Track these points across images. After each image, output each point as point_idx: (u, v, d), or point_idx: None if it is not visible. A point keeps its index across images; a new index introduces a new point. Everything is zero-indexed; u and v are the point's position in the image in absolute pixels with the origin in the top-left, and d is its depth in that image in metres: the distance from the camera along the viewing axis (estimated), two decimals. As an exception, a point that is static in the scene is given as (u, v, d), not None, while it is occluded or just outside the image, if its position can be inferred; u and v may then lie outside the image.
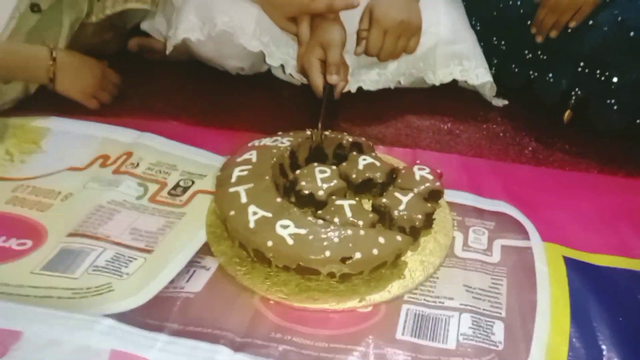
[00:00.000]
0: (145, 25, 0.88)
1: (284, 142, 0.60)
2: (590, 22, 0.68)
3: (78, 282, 0.49)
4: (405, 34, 0.72)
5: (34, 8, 0.74)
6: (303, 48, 0.72)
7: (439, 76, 0.75)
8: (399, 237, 0.49)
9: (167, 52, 0.76)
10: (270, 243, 0.47)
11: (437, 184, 0.58)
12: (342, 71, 0.70)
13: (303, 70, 0.73)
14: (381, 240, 0.48)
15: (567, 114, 0.72)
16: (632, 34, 0.65)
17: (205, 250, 0.53)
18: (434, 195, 0.58)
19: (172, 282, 0.49)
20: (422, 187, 0.57)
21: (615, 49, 0.65)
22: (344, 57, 0.71)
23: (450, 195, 0.60)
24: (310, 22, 0.71)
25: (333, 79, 0.69)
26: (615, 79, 0.67)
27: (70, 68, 0.72)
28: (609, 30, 0.65)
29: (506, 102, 0.81)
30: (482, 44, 0.80)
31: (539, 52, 0.73)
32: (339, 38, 0.70)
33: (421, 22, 0.73)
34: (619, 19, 0.65)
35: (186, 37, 0.72)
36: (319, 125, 0.64)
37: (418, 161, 0.62)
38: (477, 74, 0.74)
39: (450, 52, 0.74)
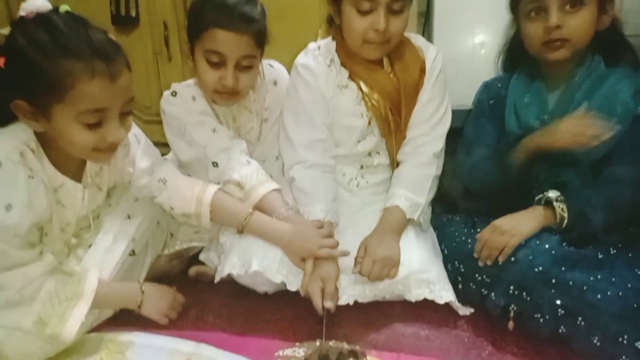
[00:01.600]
0: (202, 257, 1.22)
1: (300, 352, 0.85)
2: (512, 259, 0.97)
3: None
4: (388, 265, 1.02)
5: (131, 253, 1.08)
6: (307, 278, 1.01)
7: (414, 295, 1.02)
8: None
9: (216, 281, 1.07)
10: None
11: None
12: (335, 296, 0.99)
13: (307, 294, 1.01)
14: None
15: (510, 323, 0.96)
16: (540, 269, 0.92)
17: None
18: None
19: None
20: (399, 386, 0.79)
21: (530, 279, 0.92)
22: (337, 286, 1.00)
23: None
24: (313, 260, 1.02)
25: (328, 304, 0.97)
26: (538, 301, 0.92)
27: (153, 296, 1.02)
28: (524, 266, 0.94)
29: (472, 310, 1.05)
30: (449, 265, 1.09)
31: (485, 276, 1.01)
32: (334, 274, 1.01)
33: (399, 257, 1.04)
34: (530, 258, 0.94)
35: (230, 272, 1.03)
36: (323, 336, 0.89)
37: (398, 364, 0.85)
38: (442, 295, 1.01)
39: (421, 278, 1.02)
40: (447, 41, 1.46)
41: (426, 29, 1.59)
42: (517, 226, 0.98)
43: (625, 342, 0.84)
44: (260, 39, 1.09)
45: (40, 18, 0.84)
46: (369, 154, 1.20)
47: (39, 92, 0.84)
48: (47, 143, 0.92)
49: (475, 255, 1.01)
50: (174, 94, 1.17)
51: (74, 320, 0.90)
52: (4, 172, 0.86)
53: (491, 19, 1.28)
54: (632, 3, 1.24)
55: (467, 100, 1.37)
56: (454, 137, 1.30)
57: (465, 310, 1.05)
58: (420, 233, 1.13)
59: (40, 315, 0.88)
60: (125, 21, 1.81)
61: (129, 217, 1.10)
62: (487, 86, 1.22)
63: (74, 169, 0.98)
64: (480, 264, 1.00)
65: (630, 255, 0.98)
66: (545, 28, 1.02)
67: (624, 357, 0.84)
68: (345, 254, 1.03)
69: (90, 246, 1.03)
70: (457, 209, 1.34)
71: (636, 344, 0.83)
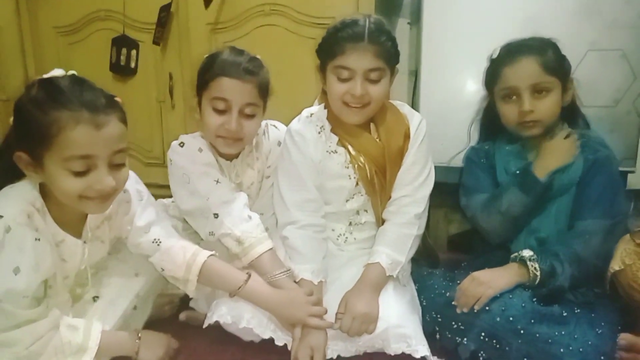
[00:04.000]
0: (192, 303, 1.28)
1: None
2: (487, 308, 1.04)
3: None
4: (366, 321, 1.09)
5: (134, 307, 1.14)
6: (296, 343, 1.08)
7: (393, 349, 1.08)
8: None
9: (204, 326, 1.13)
10: None
11: None
12: None
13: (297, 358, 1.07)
14: None
15: None
16: (510, 319, 0.99)
17: None
18: None
19: None
20: None
21: (501, 328, 0.99)
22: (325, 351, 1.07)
23: None
24: (302, 327, 1.09)
25: None
26: (506, 348, 0.98)
27: (150, 343, 1.07)
28: (497, 315, 1.01)
29: (447, 363, 1.11)
30: (427, 315, 1.16)
31: (460, 324, 1.07)
32: (323, 343, 1.08)
33: (378, 313, 1.10)
34: (502, 309, 1.01)
35: (218, 320, 1.10)
36: None
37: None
38: (418, 349, 1.07)
39: (398, 333, 1.08)
40: (434, 99, 1.60)
41: (416, 87, 1.72)
42: (494, 279, 1.08)
43: None
44: (262, 90, 1.20)
45: (44, 79, 0.92)
46: (357, 212, 1.28)
47: (33, 142, 0.90)
48: (50, 199, 0.97)
49: (454, 303, 1.09)
50: (182, 144, 1.25)
51: None
52: (12, 236, 0.89)
53: (476, 78, 1.40)
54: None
55: (451, 158, 1.49)
56: (440, 191, 1.41)
57: (440, 365, 1.11)
58: (399, 288, 1.20)
59: (47, 370, 0.91)
60: (123, 71, 1.92)
61: (136, 274, 1.16)
62: (475, 149, 1.35)
63: (74, 224, 1.02)
64: (458, 311, 1.08)
65: (592, 315, 1.06)
66: (519, 112, 1.18)
67: None
68: (330, 325, 1.10)
69: (93, 298, 1.09)
70: (439, 263, 1.43)
71: None
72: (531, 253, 1.10)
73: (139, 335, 1.07)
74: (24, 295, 0.90)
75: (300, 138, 1.23)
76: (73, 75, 0.94)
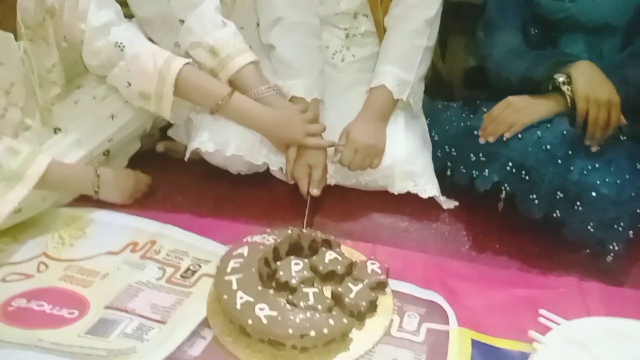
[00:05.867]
0: (171, 132, 1.11)
1: (269, 239, 0.80)
2: (519, 136, 0.89)
3: (112, 344, 0.67)
4: (370, 154, 0.94)
5: (105, 153, 0.98)
6: (290, 165, 0.94)
7: (397, 188, 0.96)
8: (345, 320, 0.67)
9: (185, 158, 0.99)
10: (250, 321, 0.65)
11: (383, 277, 0.76)
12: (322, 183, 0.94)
13: (294, 179, 0.95)
14: (331, 322, 0.66)
15: (500, 204, 0.93)
16: (547, 147, 0.86)
17: (205, 323, 0.71)
18: (380, 286, 0.76)
19: (178, 347, 0.67)
20: (371, 279, 0.75)
21: (534, 157, 0.86)
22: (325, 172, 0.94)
23: (395, 285, 0.78)
24: (297, 147, 0.94)
25: (314, 192, 0.93)
26: (537, 180, 0.86)
27: (111, 181, 0.93)
28: (531, 143, 0.87)
29: (457, 203, 1.00)
30: (439, 151, 1.02)
31: (480, 155, 0.93)
32: (322, 161, 0.94)
33: (384, 146, 0.95)
34: (538, 135, 0.87)
35: (199, 147, 0.95)
36: (305, 223, 0.85)
37: (372, 256, 0.81)
38: (426, 189, 0.95)
39: (406, 170, 0.95)
40: None
41: None
42: (532, 106, 0.92)
43: (620, 228, 0.82)
44: None
45: None
46: (354, 17, 1.05)
47: None
48: None
49: (480, 131, 0.94)
50: None
51: (6, 204, 0.81)
52: None
53: None
54: None
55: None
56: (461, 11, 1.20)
57: (449, 204, 0.99)
58: (410, 120, 1.03)
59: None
60: None
61: (112, 117, 0.97)
62: None
63: (2, 20, 0.83)
64: (481, 140, 0.93)
65: (635, 148, 0.93)
66: None
67: (614, 243, 0.82)
68: (333, 144, 0.95)
69: (55, 130, 0.93)
70: (453, 97, 1.24)
71: (629, 232, 0.83)
72: (564, 76, 0.91)
73: (98, 172, 0.92)
74: None
75: None
76: None
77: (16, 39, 0.86)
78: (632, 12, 0.95)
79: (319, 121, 0.99)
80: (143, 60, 0.93)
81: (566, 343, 0.68)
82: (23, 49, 0.86)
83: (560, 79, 0.90)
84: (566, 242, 0.86)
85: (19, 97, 0.89)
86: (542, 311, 0.73)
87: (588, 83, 0.88)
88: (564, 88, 0.89)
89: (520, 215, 0.88)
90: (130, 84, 0.94)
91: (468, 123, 1.00)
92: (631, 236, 0.83)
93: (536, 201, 0.86)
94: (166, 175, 1.06)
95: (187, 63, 0.94)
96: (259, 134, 0.95)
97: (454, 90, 1.30)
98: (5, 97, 0.87)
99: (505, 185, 0.88)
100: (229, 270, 0.73)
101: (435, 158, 1.02)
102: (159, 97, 0.94)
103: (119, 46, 0.92)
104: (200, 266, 0.83)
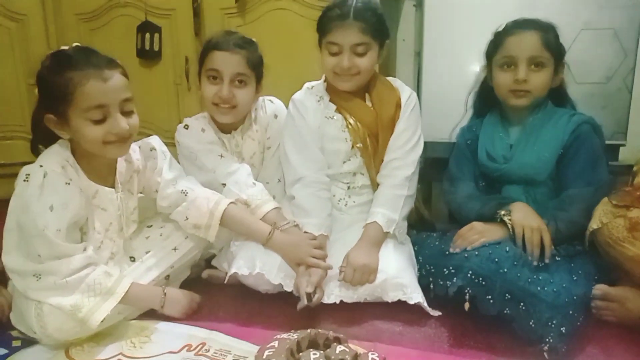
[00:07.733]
0: (214, 262, 1.43)
1: (294, 336, 1.05)
2: (476, 253, 1.17)
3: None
4: (366, 272, 1.24)
5: (166, 277, 1.29)
6: (298, 278, 1.23)
7: (390, 297, 1.23)
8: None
9: (225, 282, 1.29)
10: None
11: (380, 364, 1.00)
12: (319, 289, 1.22)
13: (298, 291, 1.22)
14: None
15: (466, 304, 1.15)
16: (496, 260, 1.13)
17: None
18: (378, 370, 0.99)
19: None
20: (372, 365, 0.99)
21: (487, 267, 1.12)
22: (321, 285, 1.23)
23: (391, 371, 1.01)
24: (305, 266, 1.24)
25: (312, 304, 1.19)
26: (490, 286, 1.11)
27: (174, 298, 1.22)
28: (484, 257, 1.14)
29: (440, 313, 1.24)
30: (423, 270, 1.30)
31: (450, 268, 1.19)
32: (320, 279, 1.23)
33: (377, 265, 1.25)
34: (489, 252, 1.15)
35: (236, 272, 1.25)
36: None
37: (372, 350, 1.05)
38: (412, 297, 1.22)
39: (396, 282, 1.23)
40: (436, 78, 1.70)
41: (420, 67, 1.82)
42: (490, 230, 1.25)
43: (553, 326, 1.05)
44: (251, 62, 1.37)
45: (54, 52, 1.10)
46: (354, 174, 1.42)
47: (56, 103, 1.07)
48: (80, 157, 1.13)
49: (451, 246, 1.24)
50: (186, 127, 1.44)
51: (101, 312, 1.09)
52: (48, 180, 1.06)
53: (477, 59, 1.51)
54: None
55: (451, 133, 1.60)
56: (442, 165, 1.56)
57: (434, 313, 1.24)
58: (398, 245, 1.34)
59: (77, 302, 1.07)
60: (148, 55, 2.07)
61: (175, 249, 1.31)
62: (464, 130, 1.52)
63: (105, 177, 1.18)
64: (451, 250, 1.23)
65: (571, 265, 1.23)
66: (514, 80, 1.30)
67: (550, 337, 1.05)
68: (329, 267, 1.26)
69: (130, 258, 1.26)
70: (435, 230, 1.56)
71: (561, 329, 1.05)
72: (506, 212, 1.25)
73: (165, 291, 1.22)
74: (57, 229, 1.06)
75: (302, 105, 1.40)
76: (77, 45, 1.12)
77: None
78: (549, 170, 1.32)
79: (324, 249, 1.29)
80: (200, 202, 1.29)
81: None
82: (120, 198, 1.22)
83: (503, 213, 1.23)
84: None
85: (113, 233, 1.22)
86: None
87: (523, 215, 1.22)
88: (506, 219, 1.22)
89: (489, 318, 1.13)
90: (187, 218, 1.30)
91: (442, 246, 1.31)
92: (564, 332, 1.05)
93: (491, 301, 1.11)
94: (210, 296, 1.34)
95: (232, 203, 1.31)
96: (278, 254, 1.26)
97: (435, 225, 1.63)
98: (104, 234, 1.20)
99: (468, 289, 1.14)
100: (264, 357, 0.98)
101: (421, 276, 1.30)
102: (207, 227, 1.29)
103: (184, 192, 1.30)
104: (240, 361, 1.07)
